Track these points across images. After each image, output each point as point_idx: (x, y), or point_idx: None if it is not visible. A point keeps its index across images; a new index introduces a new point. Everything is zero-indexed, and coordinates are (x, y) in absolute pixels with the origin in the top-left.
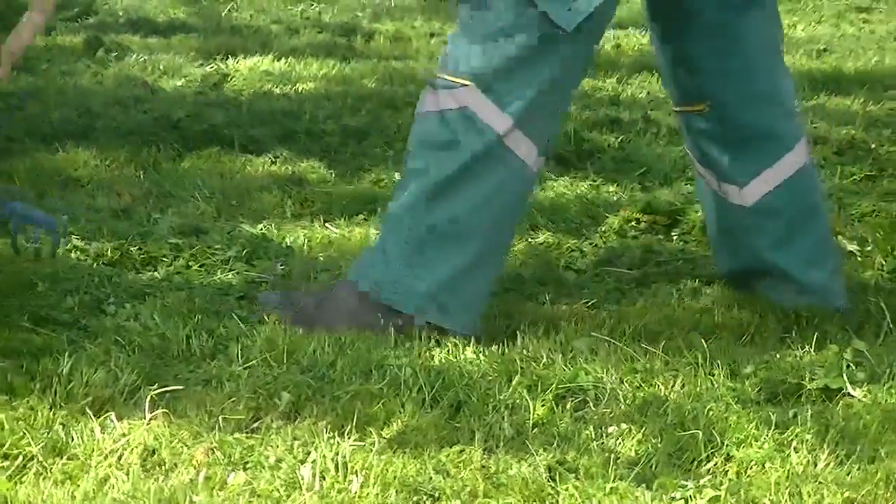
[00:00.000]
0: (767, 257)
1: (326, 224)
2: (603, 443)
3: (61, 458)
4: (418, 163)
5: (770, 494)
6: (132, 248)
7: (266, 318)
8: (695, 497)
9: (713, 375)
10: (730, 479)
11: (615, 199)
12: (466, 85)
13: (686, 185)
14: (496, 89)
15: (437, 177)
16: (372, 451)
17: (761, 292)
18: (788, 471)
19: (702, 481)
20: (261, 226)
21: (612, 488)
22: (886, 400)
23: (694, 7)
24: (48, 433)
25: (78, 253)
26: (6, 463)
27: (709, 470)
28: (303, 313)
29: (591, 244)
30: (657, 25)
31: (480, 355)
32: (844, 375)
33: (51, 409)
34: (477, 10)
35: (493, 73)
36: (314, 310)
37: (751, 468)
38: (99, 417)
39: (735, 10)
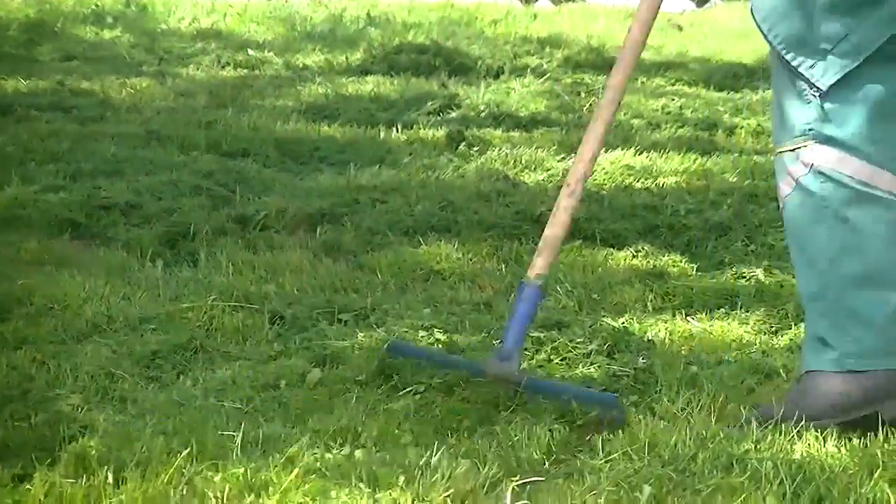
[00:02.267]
0: None
1: (688, 318)
2: None
3: None
4: (803, 243)
5: None
6: (495, 342)
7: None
8: None
9: None
10: None
11: None
12: (806, 145)
13: None
14: (833, 136)
15: (826, 242)
16: None
17: None
18: None
19: None
20: (622, 319)
21: None
22: None
23: None
24: None
25: (440, 346)
26: None
27: None
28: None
29: None
30: None
31: (842, 448)
32: None
33: (413, 501)
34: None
35: (824, 122)
36: (786, 411)
37: None
38: None
39: None
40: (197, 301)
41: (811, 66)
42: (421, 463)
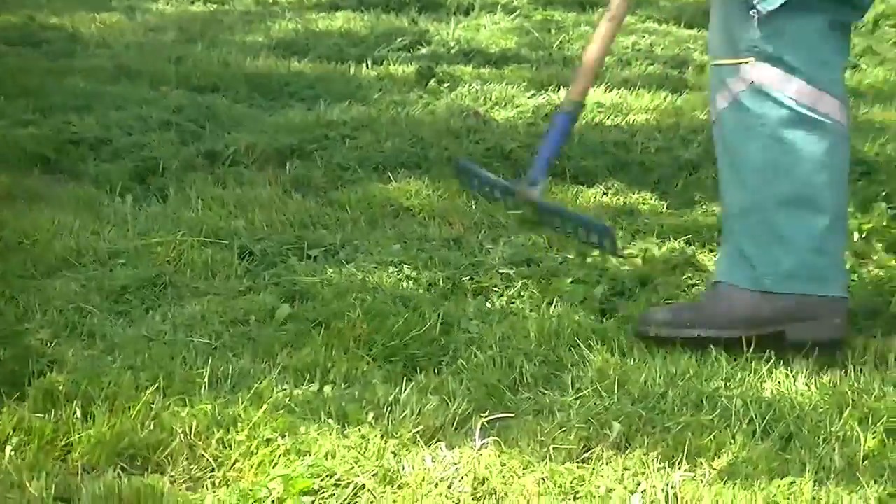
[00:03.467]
0: None
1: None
2: None
3: (392, 486)
4: (735, 158)
5: None
6: (464, 279)
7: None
8: None
9: None
10: None
11: None
12: (748, 62)
13: None
14: (777, 56)
15: (760, 161)
16: (702, 482)
17: None
18: None
19: None
20: (590, 258)
21: None
22: None
23: None
24: (379, 462)
25: (410, 283)
26: (337, 491)
27: None
28: (685, 322)
29: None
30: None
31: (812, 387)
32: None
33: (382, 437)
34: None
35: (769, 41)
36: (696, 316)
37: None
38: (430, 446)
39: None
40: (166, 236)
41: None
42: (390, 399)
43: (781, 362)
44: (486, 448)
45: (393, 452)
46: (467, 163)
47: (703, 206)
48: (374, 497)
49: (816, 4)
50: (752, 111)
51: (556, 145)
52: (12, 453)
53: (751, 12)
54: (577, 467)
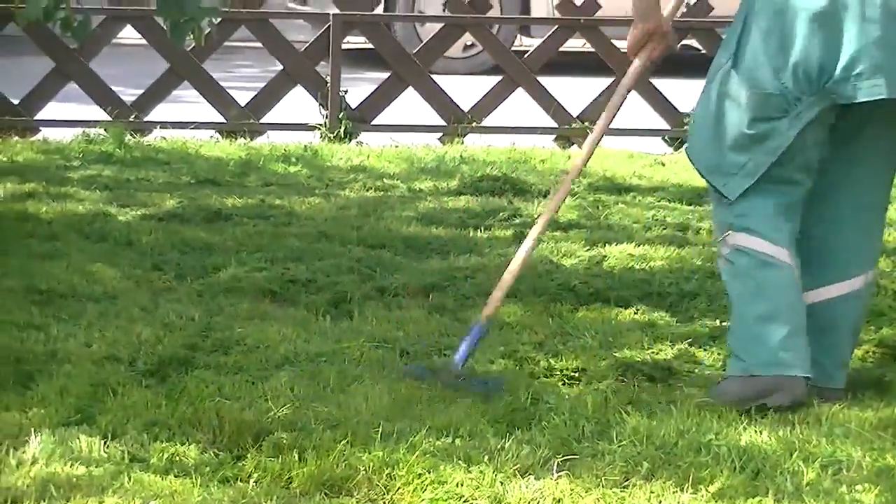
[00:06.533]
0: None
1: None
2: (853, 496)
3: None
4: (730, 296)
5: None
6: (545, 368)
7: None
8: None
9: None
10: None
11: None
12: (729, 234)
13: None
14: (746, 227)
15: (742, 293)
16: (702, 501)
17: None
18: None
19: None
20: (631, 351)
21: None
22: None
23: None
24: (492, 488)
25: (512, 369)
26: None
27: None
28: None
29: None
30: None
31: (772, 437)
32: None
33: (493, 472)
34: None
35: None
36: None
37: None
38: (524, 478)
39: None
40: (352, 342)
41: (724, 185)
42: (498, 447)
43: (752, 422)
44: (560, 479)
45: (500, 482)
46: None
47: (699, 322)
48: None
49: (772, 188)
50: (735, 263)
51: (471, 347)
52: (254, 484)
53: (724, 200)
54: (620, 491)
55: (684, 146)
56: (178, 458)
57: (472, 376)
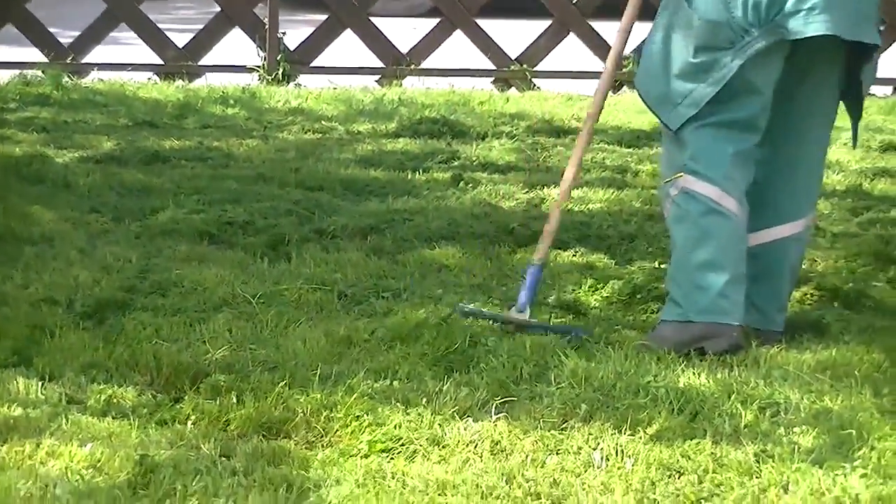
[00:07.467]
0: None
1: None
2: (791, 438)
3: (438, 446)
4: (673, 237)
5: None
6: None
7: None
8: (850, 474)
9: (862, 394)
10: (873, 462)
11: None
12: (680, 176)
13: None
14: (698, 170)
15: (685, 238)
16: (640, 442)
17: None
18: None
19: (855, 463)
20: (570, 290)
21: (796, 468)
22: None
23: None
24: (430, 430)
25: (449, 313)
26: (403, 450)
27: (859, 456)
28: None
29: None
30: None
31: (710, 380)
32: None
33: (432, 414)
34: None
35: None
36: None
37: (885, 456)
38: (462, 420)
39: None
40: (290, 284)
41: (668, 115)
42: (437, 389)
43: (690, 364)
44: (498, 421)
45: (439, 424)
46: (464, 306)
47: (638, 265)
48: (427, 453)
49: (726, 133)
50: (682, 207)
51: (533, 287)
52: (192, 426)
53: (673, 136)
54: (558, 433)
55: (634, 80)
56: (115, 401)
57: (543, 323)
